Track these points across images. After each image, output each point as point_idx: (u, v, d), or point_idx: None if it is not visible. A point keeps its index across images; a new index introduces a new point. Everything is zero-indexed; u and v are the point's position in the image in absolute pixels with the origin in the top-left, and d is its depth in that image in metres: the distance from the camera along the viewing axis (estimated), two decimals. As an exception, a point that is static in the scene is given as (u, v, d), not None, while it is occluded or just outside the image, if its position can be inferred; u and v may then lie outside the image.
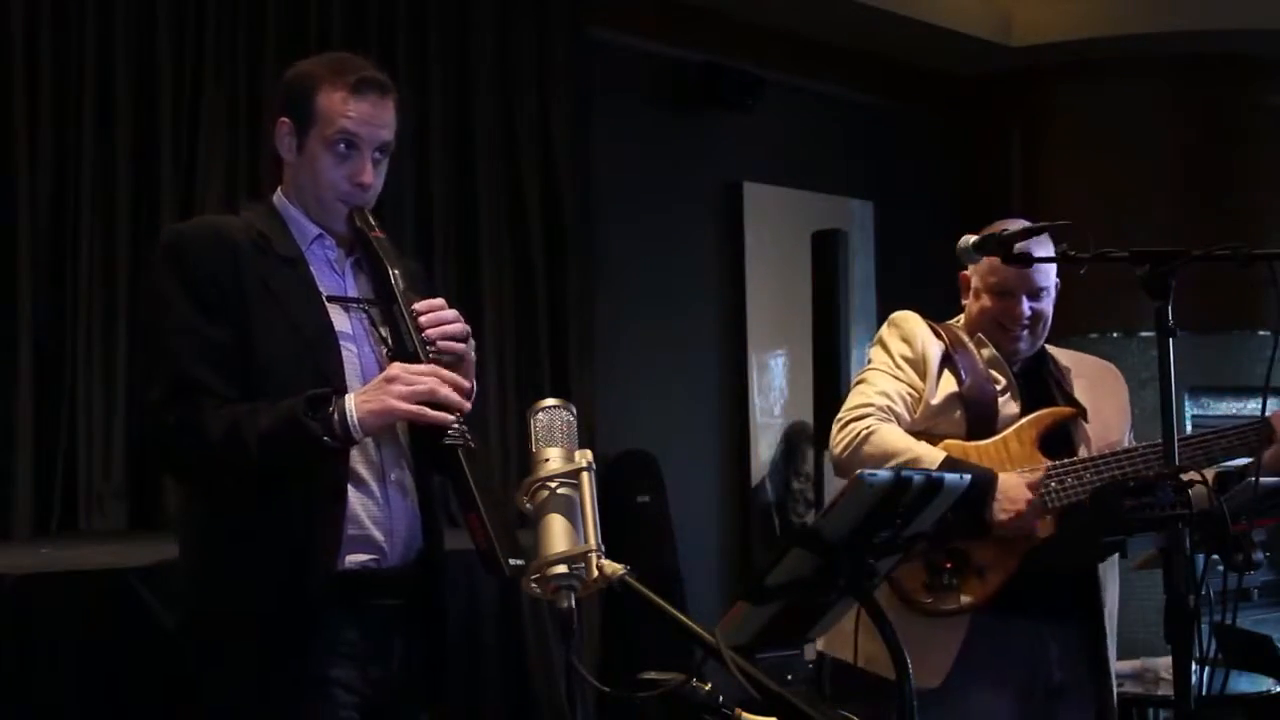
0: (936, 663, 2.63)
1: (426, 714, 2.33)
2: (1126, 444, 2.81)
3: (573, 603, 1.56)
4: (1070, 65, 6.63)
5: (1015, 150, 6.89)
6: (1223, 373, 6.42)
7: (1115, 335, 6.28)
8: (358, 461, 2.20)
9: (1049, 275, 2.81)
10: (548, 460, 1.64)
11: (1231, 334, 6.34)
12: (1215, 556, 2.24)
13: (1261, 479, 2.53)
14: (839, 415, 2.80)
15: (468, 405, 2.18)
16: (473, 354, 2.27)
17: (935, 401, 2.77)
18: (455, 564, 2.45)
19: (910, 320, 2.88)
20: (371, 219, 2.28)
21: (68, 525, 4.07)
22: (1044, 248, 2.63)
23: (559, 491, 1.61)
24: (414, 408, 2.11)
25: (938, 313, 2.96)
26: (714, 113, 5.93)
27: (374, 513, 2.21)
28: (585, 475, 1.63)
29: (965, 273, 2.88)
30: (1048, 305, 2.83)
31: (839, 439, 2.75)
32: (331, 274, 2.30)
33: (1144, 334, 6.08)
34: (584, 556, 1.56)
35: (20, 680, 2.78)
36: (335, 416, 2.10)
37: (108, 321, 4.18)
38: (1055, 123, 6.83)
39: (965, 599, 2.68)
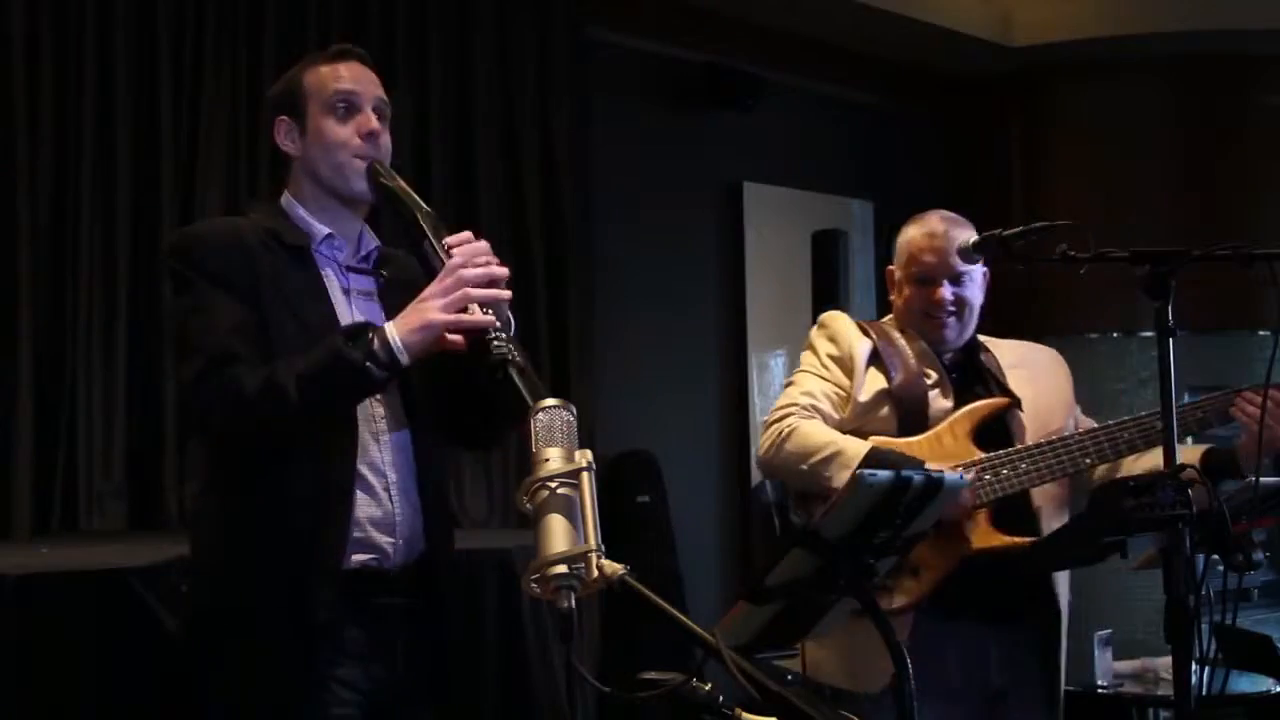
0: (878, 669, 2.50)
1: (430, 714, 2.32)
2: (1070, 431, 2.75)
3: (573, 603, 1.55)
4: (1070, 65, 6.63)
5: (1015, 150, 6.88)
6: (1223, 373, 6.40)
7: (1115, 335, 6.26)
8: (360, 463, 2.20)
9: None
10: (548, 460, 1.63)
11: (1231, 334, 6.32)
12: (1215, 556, 2.24)
13: (1261, 479, 2.53)
14: (764, 419, 2.78)
15: (506, 295, 2.12)
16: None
17: (863, 399, 2.75)
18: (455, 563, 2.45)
19: (837, 320, 2.87)
20: (392, 171, 2.28)
21: (68, 525, 4.07)
22: (967, 230, 2.66)
23: (559, 491, 1.61)
24: (452, 316, 2.07)
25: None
26: (714, 113, 5.93)
27: (376, 515, 2.21)
28: (585, 475, 1.62)
29: (890, 267, 2.87)
30: (972, 292, 2.80)
31: (762, 441, 2.74)
32: (339, 275, 2.30)
33: (1144, 334, 6.06)
34: (584, 556, 1.56)
35: (20, 680, 2.78)
36: (376, 343, 2.07)
37: (108, 322, 4.18)
38: (1055, 123, 6.82)
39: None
